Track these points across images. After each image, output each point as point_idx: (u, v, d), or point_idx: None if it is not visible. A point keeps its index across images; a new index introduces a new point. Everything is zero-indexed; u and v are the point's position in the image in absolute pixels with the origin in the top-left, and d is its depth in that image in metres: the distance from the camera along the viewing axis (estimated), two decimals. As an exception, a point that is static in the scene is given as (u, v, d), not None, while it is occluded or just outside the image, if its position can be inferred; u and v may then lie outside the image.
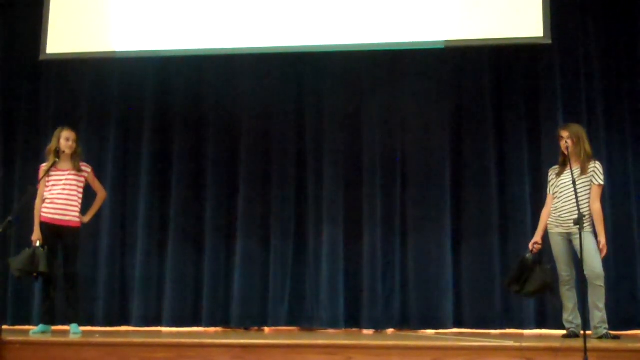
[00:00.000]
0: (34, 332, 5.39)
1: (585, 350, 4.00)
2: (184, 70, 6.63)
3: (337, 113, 6.51)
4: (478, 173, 6.30)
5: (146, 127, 6.66)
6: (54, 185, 5.54)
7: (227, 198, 6.52)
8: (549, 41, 5.64)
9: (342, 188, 6.40)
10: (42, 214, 5.51)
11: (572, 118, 6.20)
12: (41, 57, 6.19)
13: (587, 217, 5.08)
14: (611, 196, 6.16)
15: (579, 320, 5.15)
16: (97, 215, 6.49)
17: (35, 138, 6.70)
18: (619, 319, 5.93)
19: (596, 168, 5.17)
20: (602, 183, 5.16)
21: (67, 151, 5.57)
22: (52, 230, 5.48)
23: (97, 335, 5.19)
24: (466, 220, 6.27)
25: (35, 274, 5.36)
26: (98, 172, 6.53)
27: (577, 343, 4.19)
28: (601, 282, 5.04)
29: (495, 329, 6.01)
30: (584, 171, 5.14)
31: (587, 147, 5.18)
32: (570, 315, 5.18)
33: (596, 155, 6.07)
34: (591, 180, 5.15)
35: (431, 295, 6.17)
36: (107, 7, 6.11)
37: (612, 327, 5.86)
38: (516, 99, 6.38)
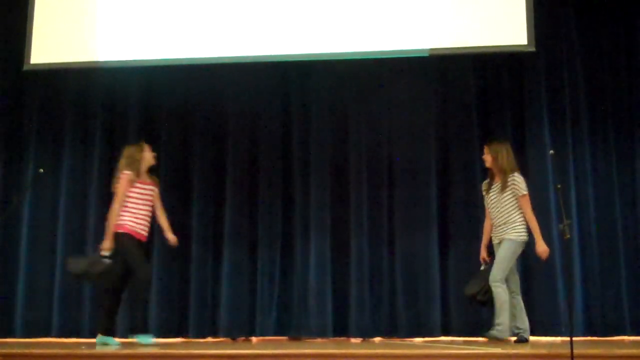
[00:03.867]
0: (104, 343, 5.31)
1: (572, 356, 4.00)
2: (169, 79, 6.59)
3: (323, 121, 6.51)
4: (464, 179, 6.32)
5: (131, 136, 6.61)
6: (137, 198, 5.49)
7: (214, 207, 6.49)
8: (533, 48, 5.69)
9: (329, 196, 6.40)
10: (128, 226, 5.44)
11: (556, 124, 6.28)
12: (25, 67, 6.17)
13: (512, 226, 5.34)
14: (595, 202, 6.21)
15: (525, 325, 5.31)
16: (83, 227, 6.48)
17: (18, 148, 6.66)
18: (605, 324, 5.98)
19: (514, 180, 5.38)
20: (524, 193, 5.36)
21: (148, 165, 5.59)
22: (134, 243, 5.44)
23: (84, 347, 5.15)
24: (453, 227, 6.28)
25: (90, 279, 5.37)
26: (83, 182, 6.54)
27: (564, 349, 4.19)
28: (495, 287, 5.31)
29: (483, 336, 6.01)
30: (504, 185, 5.37)
31: (505, 162, 5.41)
32: (518, 321, 5.33)
33: (579, 161, 6.18)
34: (514, 193, 5.35)
35: (419, 303, 6.18)
36: (91, 16, 6.09)
37: (598, 333, 5.93)
38: (501, 105, 6.42)
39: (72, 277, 5.53)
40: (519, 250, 5.38)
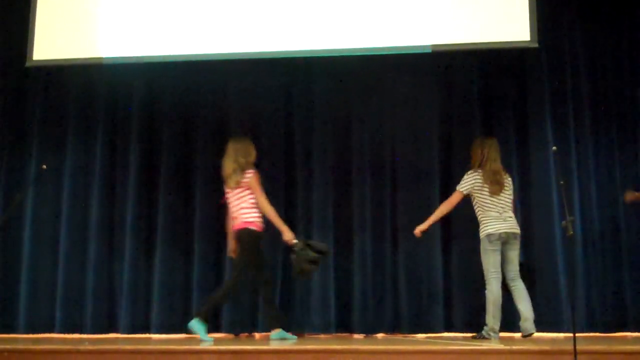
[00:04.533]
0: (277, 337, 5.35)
1: (575, 352, 4.00)
2: (172, 76, 6.59)
3: (326, 118, 6.51)
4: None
5: (134, 133, 6.62)
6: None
7: (216, 204, 6.48)
8: (536, 44, 5.68)
9: (332, 193, 6.40)
10: (258, 224, 5.49)
11: (559, 121, 6.27)
12: (28, 64, 6.15)
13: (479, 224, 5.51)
14: (598, 199, 6.20)
15: (521, 319, 5.37)
16: (85, 224, 6.47)
17: (20, 145, 6.66)
18: (607, 321, 5.98)
19: (464, 176, 5.56)
20: (457, 188, 5.58)
21: None
22: (259, 243, 5.54)
23: (87, 343, 5.16)
24: (456, 223, 6.27)
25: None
26: (86, 179, 6.52)
27: (567, 345, 4.20)
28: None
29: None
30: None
31: (477, 161, 5.57)
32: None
33: (582, 159, 6.20)
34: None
35: (422, 299, 6.18)
36: (94, 13, 6.08)
37: (600, 329, 5.92)
38: (504, 102, 6.41)
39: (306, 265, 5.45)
40: (488, 246, 5.41)
